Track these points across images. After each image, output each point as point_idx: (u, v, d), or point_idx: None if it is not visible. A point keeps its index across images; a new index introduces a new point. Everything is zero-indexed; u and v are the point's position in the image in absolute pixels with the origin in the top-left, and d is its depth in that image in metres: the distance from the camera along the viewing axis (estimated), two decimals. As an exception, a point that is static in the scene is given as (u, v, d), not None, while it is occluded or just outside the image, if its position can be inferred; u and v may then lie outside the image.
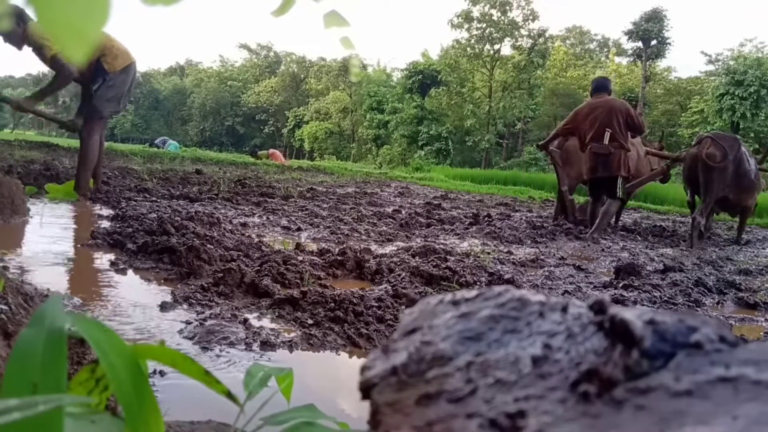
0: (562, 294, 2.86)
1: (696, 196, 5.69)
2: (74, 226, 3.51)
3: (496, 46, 35.83)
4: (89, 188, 4.84)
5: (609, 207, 5.36)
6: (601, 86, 5.55)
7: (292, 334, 1.80)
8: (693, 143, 5.82)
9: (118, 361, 0.46)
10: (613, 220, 6.46)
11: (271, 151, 20.41)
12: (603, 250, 4.73)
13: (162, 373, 1.36)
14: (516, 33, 35.16)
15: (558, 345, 0.41)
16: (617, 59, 43.74)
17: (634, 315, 0.39)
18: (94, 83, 4.66)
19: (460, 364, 0.42)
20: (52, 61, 4.37)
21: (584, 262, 3.92)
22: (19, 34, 4.33)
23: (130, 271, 2.47)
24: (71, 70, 4.45)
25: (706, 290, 3.18)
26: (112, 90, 4.71)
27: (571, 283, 3.09)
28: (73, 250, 2.80)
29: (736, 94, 29.07)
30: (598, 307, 0.42)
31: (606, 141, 5.18)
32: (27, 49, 4.48)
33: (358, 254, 2.93)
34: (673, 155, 6.61)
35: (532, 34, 35.20)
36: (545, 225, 5.88)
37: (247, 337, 1.70)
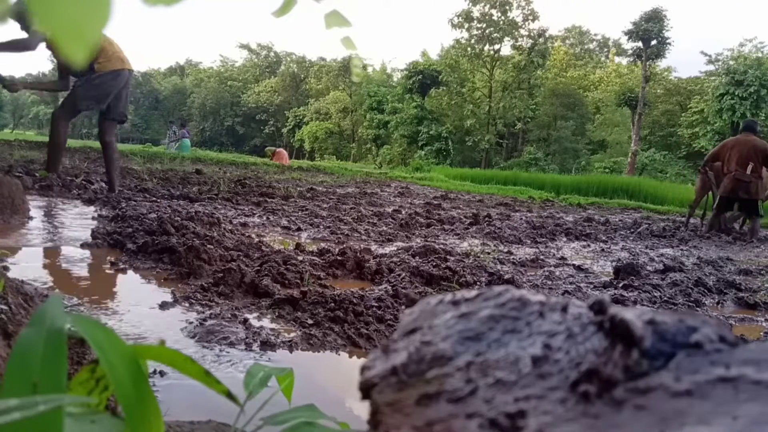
0: (562, 294, 2.86)
1: None
2: (74, 226, 3.51)
3: (496, 46, 35.88)
4: (59, 168, 5.19)
5: (755, 224, 6.78)
6: (748, 127, 7.06)
7: (292, 334, 1.80)
8: None
9: (118, 361, 0.46)
10: (738, 226, 8.05)
11: (278, 150, 20.40)
12: (603, 250, 4.73)
13: (162, 373, 1.36)
14: (516, 33, 35.20)
15: (558, 345, 0.41)
16: (617, 59, 43.81)
17: (634, 315, 0.39)
18: (80, 79, 4.81)
19: (460, 364, 0.42)
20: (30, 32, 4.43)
21: (584, 262, 3.92)
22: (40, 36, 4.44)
23: (130, 271, 2.47)
24: (31, 42, 4.47)
25: (706, 290, 3.17)
26: (95, 89, 4.79)
27: (571, 283, 3.09)
28: (74, 250, 2.79)
29: (736, 94, 29.08)
30: (598, 307, 0.42)
31: (748, 171, 6.59)
32: (27, 51, 4.53)
33: (358, 254, 2.93)
34: None
35: (532, 34, 35.24)
36: (545, 225, 5.89)
37: (247, 337, 1.70)
